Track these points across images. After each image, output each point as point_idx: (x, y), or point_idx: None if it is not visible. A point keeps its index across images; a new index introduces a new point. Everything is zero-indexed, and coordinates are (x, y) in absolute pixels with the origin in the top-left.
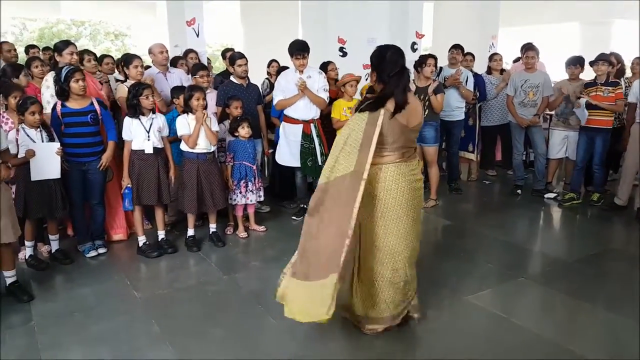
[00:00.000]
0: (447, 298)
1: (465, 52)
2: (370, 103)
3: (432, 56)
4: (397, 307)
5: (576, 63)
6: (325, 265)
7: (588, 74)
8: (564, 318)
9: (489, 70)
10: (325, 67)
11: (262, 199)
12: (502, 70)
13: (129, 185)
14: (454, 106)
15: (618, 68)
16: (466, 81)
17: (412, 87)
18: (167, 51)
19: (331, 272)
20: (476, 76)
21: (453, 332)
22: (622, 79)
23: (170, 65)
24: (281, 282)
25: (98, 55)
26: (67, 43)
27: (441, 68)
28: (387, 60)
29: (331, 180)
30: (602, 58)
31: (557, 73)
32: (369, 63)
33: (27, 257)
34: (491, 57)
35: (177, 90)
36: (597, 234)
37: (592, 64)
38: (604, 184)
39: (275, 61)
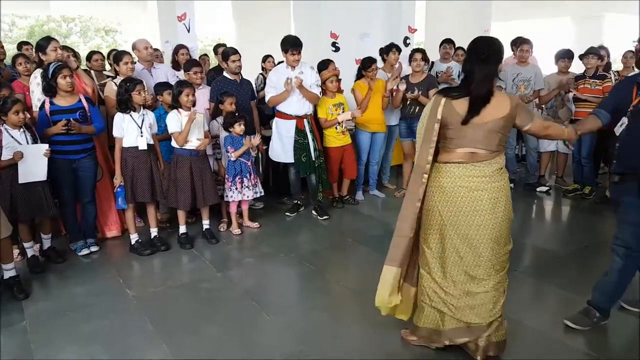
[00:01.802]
0: None
1: (456, 46)
2: (446, 89)
3: (418, 50)
4: (437, 325)
5: (565, 56)
6: (389, 255)
7: (579, 68)
8: (556, 311)
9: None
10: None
11: (259, 194)
12: None
13: (121, 184)
14: None
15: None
16: (458, 75)
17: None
18: (151, 47)
19: (388, 263)
20: None
21: None
22: (610, 72)
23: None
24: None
25: (87, 52)
26: (48, 39)
27: (433, 62)
28: (474, 48)
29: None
30: (592, 52)
31: (548, 67)
32: (359, 58)
33: (28, 257)
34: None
35: (161, 87)
36: (589, 227)
37: (581, 57)
38: (596, 176)
39: (271, 56)
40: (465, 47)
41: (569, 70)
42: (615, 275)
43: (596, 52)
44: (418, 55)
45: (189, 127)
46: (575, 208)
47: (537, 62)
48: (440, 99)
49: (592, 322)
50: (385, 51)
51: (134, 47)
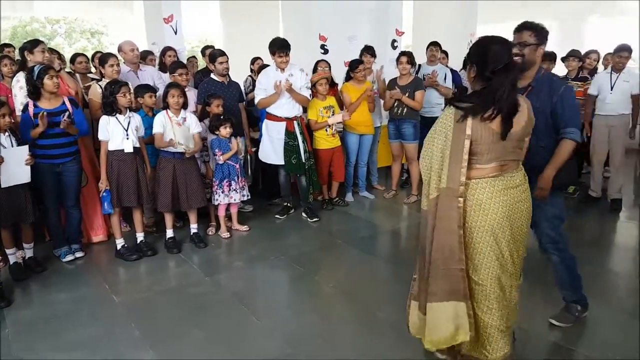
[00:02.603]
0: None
1: (442, 49)
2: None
3: (404, 53)
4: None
5: (546, 59)
6: (440, 290)
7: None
8: (543, 309)
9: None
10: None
11: (248, 197)
12: None
13: (107, 188)
14: (434, 103)
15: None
16: (445, 78)
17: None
18: (137, 49)
19: (448, 299)
20: (454, 72)
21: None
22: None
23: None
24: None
25: (72, 54)
26: (36, 42)
27: (419, 65)
28: (490, 52)
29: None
30: (573, 54)
31: None
32: (348, 60)
33: (10, 264)
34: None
35: (142, 89)
36: (572, 225)
37: (563, 59)
38: (579, 176)
39: (260, 58)
40: (453, 50)
41: (552, 71)
42: (562, 269)
43: (577, 55)
44: (404, 59)
45: (171, 132)
46: None
47: None
48: (459, 116)
49: (575, 317)
50: (360, 55)
51: (119, 49)
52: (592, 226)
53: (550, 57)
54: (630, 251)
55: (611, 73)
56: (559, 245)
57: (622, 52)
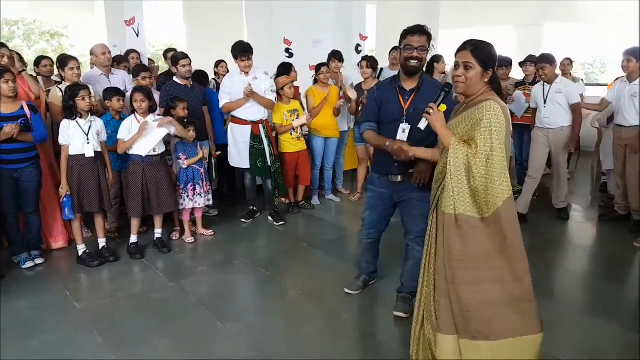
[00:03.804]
0: (389, 289)
1: None
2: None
3: (365, 58)
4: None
5: (503, 64)
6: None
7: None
8: None
9: (432, 71)
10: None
11: (210, 202)
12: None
13: (68, 193)
14: None
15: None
16: None
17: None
18: (109, 52)
19: (529, 332)
20: None
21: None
22: None
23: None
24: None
25: (31, 56)
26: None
27: (382, 69)
28: (495, 57)
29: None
30: (530, 59)
31: None
32: (314, 64)
33: None
34: (437, 59)
35: (110, 92)
36: (533, 227)
37: (521, 64)
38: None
39: (224, 62)
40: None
41: (509, 76)
42: (415, 263)
43: (534, 60)
44: (364, 63)
45: (135, 139)
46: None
47: None
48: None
49: (411, 307)
50: (328, 59)
51: (91, 52)
52: (553, 228)
53: (506, 62)
54: (584, 250)
55: (544, 85)
56: (423, 239)
57: (542, 64)
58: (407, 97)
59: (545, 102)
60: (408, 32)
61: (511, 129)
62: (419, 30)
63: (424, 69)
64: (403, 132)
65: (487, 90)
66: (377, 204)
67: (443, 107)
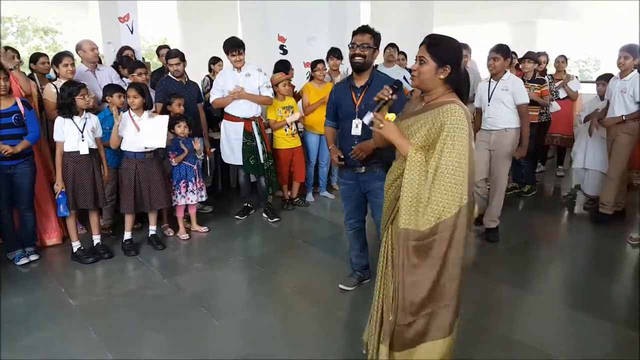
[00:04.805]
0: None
1: (399, 50)
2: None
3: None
4: None
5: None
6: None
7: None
8: (503, 305)
9: None
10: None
11: (204, 198)
12: None
13: (62, 190)
14: None
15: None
16: (404, 79)
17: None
18: (97, 48)
19: None
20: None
21: None
22: (546, 76)
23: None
24: None
25: (25, 53)
26: None
27: (376, 66)
28: (460, 54)
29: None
30: (528, 56)
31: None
32: (308, 61)
33: None
34: None
35: (109, 89)
36: (528, 224)
37: (519, 61)
38: (533, 176)
39: (221, 60)
40: (410, 51)
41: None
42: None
43: (533, 57)
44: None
45: (116, 131)
46: (515, 206)
47: (477, 66)
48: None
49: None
50: (326, 57)
51: (79, 48)
52: (548, 225)
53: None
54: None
55: (490, 81)
56: None
57: (492, 53)
58: (359, 94)
59: (489, 100)
60: (354, 32)
61: (473, 133)
62: (362, 30)
63: (376, 65)
64: (356, 127)
65: (448, 92)
66: (350, 195)
67: (392, 117)
